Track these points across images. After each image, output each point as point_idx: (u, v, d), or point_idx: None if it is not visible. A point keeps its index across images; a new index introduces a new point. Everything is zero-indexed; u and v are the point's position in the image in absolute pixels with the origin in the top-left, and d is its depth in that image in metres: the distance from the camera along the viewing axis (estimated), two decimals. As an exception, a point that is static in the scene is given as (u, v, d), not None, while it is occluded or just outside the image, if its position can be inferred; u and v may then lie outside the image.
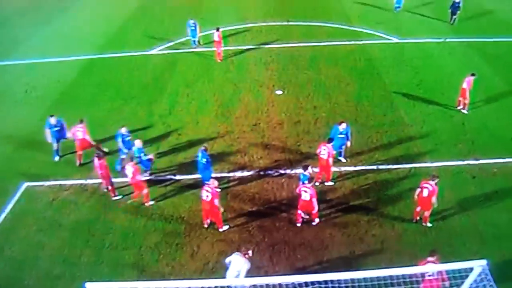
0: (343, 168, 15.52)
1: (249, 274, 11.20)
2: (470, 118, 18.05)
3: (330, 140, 14.51)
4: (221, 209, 13.06)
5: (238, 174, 15.58)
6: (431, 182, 12.51)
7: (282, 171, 15.59)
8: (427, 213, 12.85)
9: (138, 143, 14.98)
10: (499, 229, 12.90)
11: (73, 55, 25.24)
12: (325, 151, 14.19)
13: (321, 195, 14.00)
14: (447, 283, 9.49)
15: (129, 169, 13.84)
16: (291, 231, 13.25)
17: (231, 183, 15.24)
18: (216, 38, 23.48)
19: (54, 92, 21.69)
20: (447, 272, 9.12)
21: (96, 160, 14.18)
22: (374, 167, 15.54)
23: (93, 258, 12.73)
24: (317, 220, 13.31)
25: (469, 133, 17.15)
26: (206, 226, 13.37)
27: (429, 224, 12.99)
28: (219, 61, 23.80)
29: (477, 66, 21.70)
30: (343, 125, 14.99)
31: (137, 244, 13.08)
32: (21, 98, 21.41)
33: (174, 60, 24.39)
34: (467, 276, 8.58)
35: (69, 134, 16.25)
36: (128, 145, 15.53)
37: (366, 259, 12.16)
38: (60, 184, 15.50)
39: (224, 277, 10.41)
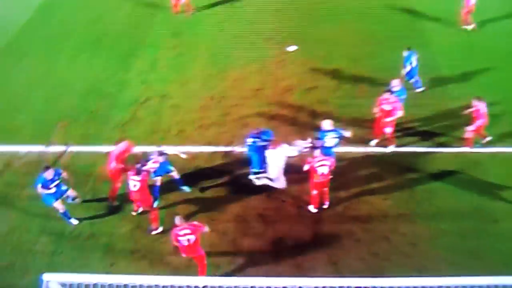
0: (369, 150, 15.57)
1: (246, 273, 11.47)
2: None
3: (390, 92, 15.02)
4: None
5: (236, 149, 15.64)
6: None
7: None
8: None
9: None
10: None
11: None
12: (388, 105, 14.52)
13: (340, 180, 14.09)
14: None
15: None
16: (299, 222, 13.39)
17: (227, 161, 15.32)
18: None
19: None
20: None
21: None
22: (411, 149, 15.57)
23: (51, 247, 12.91)
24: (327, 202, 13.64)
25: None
26: None
27: None
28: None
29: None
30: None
31: (107, 231, 13.27)
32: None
33: (156, 2, 24.12)
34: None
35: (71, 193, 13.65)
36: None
37: (391, 263, 12.27)
38: (14, 151, 15.62)
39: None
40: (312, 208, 13.61)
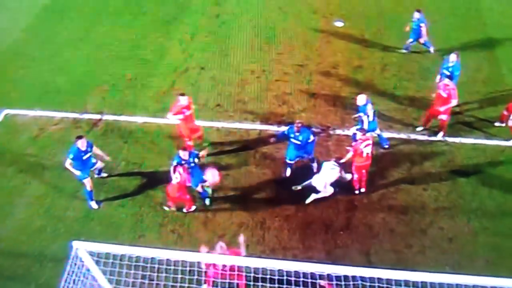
0: (413, 136, 15.34)
1: (274, 255, 11.64)
2: None
3: (450, 77, 14.77)
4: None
5: (273, 128, 15.67)
6: None
7: (330, 131, 15.56)
8: None
9: None
10: None
11: None
12: (445, 91, 14.26)
13: (378, 166, 14.03)
14: None
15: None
16: (333, 208, 13.40)
17: (262, 140, 15.36)
18: None
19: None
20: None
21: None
22: (457, 139, 15.19)
23: (81, 213, 13.41)
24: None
25: None
26: None
27: None
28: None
29: None
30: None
31: (137, 202, 13.64)
32: None
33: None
34: None
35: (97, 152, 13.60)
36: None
37: (426, 258, 12.20)
38: (48, 116, 16.14)
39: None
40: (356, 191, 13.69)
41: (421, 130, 15.34)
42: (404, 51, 18.44)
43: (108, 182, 14.19)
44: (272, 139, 14.20)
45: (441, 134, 15.09)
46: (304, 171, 13.93)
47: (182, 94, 14.07)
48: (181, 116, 14.01)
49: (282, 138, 13.83)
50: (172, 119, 14.21)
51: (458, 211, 13.29)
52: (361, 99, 14.06)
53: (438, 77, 15.22)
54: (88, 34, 20.10)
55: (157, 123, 15.89)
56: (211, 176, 12.25)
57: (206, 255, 10.40)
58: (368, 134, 13.19)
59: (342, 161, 13.35)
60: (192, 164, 12.79)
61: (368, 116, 13.80)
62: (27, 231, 13.04)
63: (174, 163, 12.58)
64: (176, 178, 12.47)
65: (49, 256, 12.16)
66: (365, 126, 13.61)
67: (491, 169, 14.29)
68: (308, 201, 13.40)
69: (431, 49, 18.22)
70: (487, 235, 12.72)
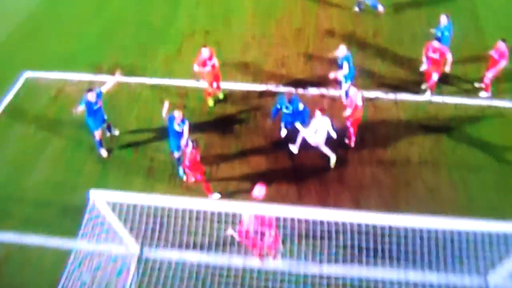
0: (400, 96, 15.48)
1: (274, 203, 11.97)
2: None
3: (440, 39, 14.66)
4: None
5: (272, 88, 15.87)
6: None
7: (324, 91, 15.74)
8: None
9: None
10: None
11: None
12: (435, 53, 14.24)
13: (367, 124, 14.30)
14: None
15: None
16: (325, 163, 13.66)
17: (263, 98, 15.64)
18: None
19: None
20: None
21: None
22: (440, 98, 15.29)
23: (99, 166, 13.87)
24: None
25: None
26: None
27: None
28: None
29: None
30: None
31: (149, 156, 14.05)
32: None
33: None
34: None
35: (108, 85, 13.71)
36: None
37: (409, 207, 12.37)
38: (66, 79, 16.41)
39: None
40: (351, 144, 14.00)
41: (425, 88, 15.40)
42: (356, 9, 18.75)
43: (121, 137, 14.58)
44: (268, 121, 14.32)
45: (428, 93, 15.21)
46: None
47: (204, 46, 14.34)
48: (206, 68, 14.44)
49: (276, 113, 13.89)
50: (196, 70, 14.52)
51: (440, 165, 13.59)
52: (341, 50, 14.18)
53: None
54: (101, 5, 20.12)
55: (166, 84, 16.15)
56: (258, 191, 12.41)
57: (210, 201, 10.74)
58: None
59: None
60: (180, 130, 12.76)
61: (348, 63, 14.13)
62: (50, 183, 13.52)
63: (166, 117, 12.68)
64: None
65: (71, 206, 12.53)
66: (345, 71, 14.06)
67: (471, 127, 14.50)
68: (294, 149, 13.77)
69: (380, 8, 18.29)
70: (466, 188, 13.03)
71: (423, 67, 15.07)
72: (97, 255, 10.59)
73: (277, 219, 10.10)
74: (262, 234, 10.43)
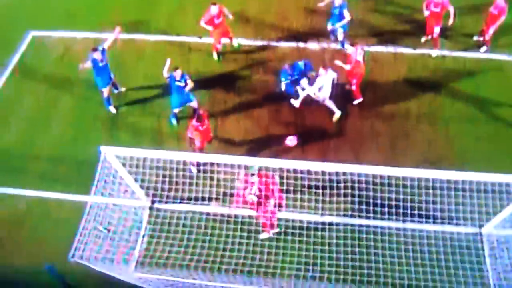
0: (400, 50, 15.13)
1: (277, 156, 12.07)
2: None
3: None
4: None
5: (273, 43, 15.58)
6: None
7: (325, 45, 15.42)
8: None
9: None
10: None
11: None
12: (436, 7, 13.79)
13: (367, 78, 13.99)
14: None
15: None
16: (325, 114, 13.57)
17: (264, 51, 15.39)
18: None
19: None
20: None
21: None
22: (439, 52, 14.90)
23: (108, 124, 13.79)
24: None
25: None
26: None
27: None
28: None
29: None
30: None
31: (156, 113, 13.94)
32: None
33: None
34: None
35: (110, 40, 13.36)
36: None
37: (407, 157, 12.44)
38: (71, 37, 16.05)
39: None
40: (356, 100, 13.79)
41: (425, 41, 15.10)
42: None
43: (129, 94, 14.42)
44: (293, 101, 13.71)
45: (436, 50, 14.76)
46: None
47: (214, 4, 13.93)
48: (211, 27, 14.14)
49: (291, 86, 13.58)
50: (204, 26, 14.15)
51: (437, 118, 13.51)
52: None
53: None
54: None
55: (169, 40, 15.80)
56: (290, 141, 12.70)
57: (213, 155, 10.74)
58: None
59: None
60: (182, 84, 12.60)
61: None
62: (64, 140, 13.54)
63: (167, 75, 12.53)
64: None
65: (84, 161, 12.39)
66: (347, 18, 13.81)
67: (469, 80, 14.26)
68: (296, 103, 13.55)
69: None
70: (462, 139, 13.00)
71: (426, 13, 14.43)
72: (110, 207, 10.75)
73: (281, 170, 10.08)
74: (267, 197, 10.26)
